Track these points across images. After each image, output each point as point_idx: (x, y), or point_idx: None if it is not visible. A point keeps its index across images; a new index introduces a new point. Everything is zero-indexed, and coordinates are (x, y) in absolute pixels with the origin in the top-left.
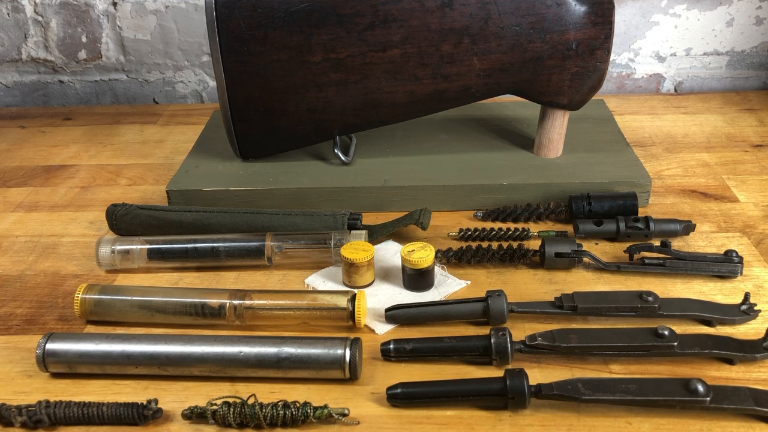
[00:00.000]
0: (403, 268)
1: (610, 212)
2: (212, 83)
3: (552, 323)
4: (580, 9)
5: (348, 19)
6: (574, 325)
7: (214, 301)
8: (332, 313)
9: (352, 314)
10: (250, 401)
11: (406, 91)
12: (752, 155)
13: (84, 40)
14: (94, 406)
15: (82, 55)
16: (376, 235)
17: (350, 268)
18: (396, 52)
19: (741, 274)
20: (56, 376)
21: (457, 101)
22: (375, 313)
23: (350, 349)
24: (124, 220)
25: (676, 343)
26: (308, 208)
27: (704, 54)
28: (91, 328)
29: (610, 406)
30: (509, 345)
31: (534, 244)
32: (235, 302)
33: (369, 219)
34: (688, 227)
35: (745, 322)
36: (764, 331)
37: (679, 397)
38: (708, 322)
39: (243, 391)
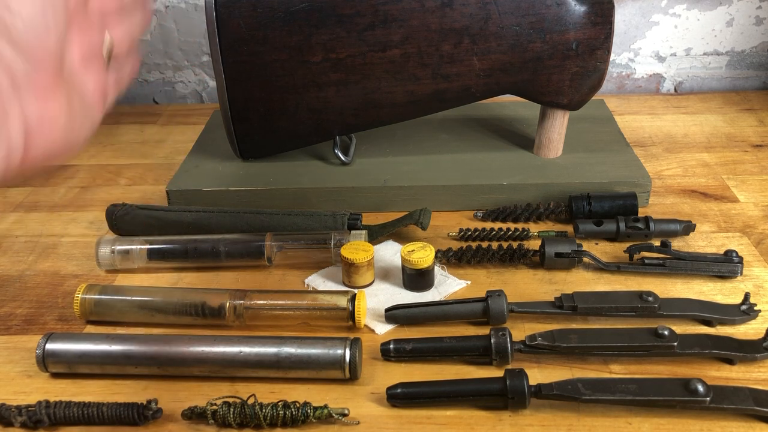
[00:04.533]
0: (403, 268)
1: (610, 212)
2: (212, 83)
3: (552, 323)
4: (580, 9)
5: (348, 19)
6: (574, 325)
7: (214, 301)
8: (332, 313)
9: (352, 314)
10: (250, 401)
11: (406, 91)
12: (752, 155)
13: None
14: (94, 406)
15: None
16: (376, 235)
17: (350, 268)
18: (396, 52)
19: (741, 274)
20: (56, 376)
21: (457, 101)
22: (375, 313)
23: (350, 349)
24: (124, 220)
25: (676, 343)
26: (308, 208)
27: (704, 54)
28: (91, 328)
29: (610, 406)
30: (509, 345)
31: (534, 244)
32: (235, 302)
33: (369, 219)
34: (688, 227)
35: (745, 322)
36: (764, 331)
37: (679, 397)
38: (708, 322)
39: (243, 391)
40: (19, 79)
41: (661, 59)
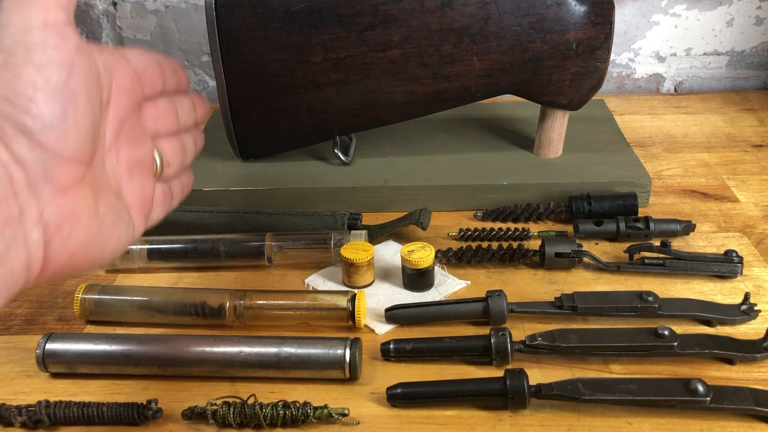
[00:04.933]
0: (403, 268)
1: (610, 212)
2: (212, 83)
3: (552, 323)
4: (580, 9)
5: (348, 19)
6: (574, 325)
7: (214, 301)
8: (332, 313)
9: (352, 314)
10: (250, 401)
11: (406, 91)
12: (752, 155)
13: (84, 40)
14: (94, 406)
15: None
16: (376, 235)
17: (350, 268)
18: (396, 52)
19: (741, 274)
20: (56, 376)
21: (457, 101)
22: (375, 313)
23: (350, 349)
24: None
25: (676, 343)
26: (308, 208)
27: (704, 54)
28: (91, 328)
29: (610, 406)
30: (509, 345)
31: (534, 244)
32: (235, 302)
33: (369, 219)
34: (688, 227)
35: (745, 322)
36: (764, 331)
37: (679, 397)
38: (708, 322)
39: (243, 391)
40: (35, 175)
41: (661, 59)
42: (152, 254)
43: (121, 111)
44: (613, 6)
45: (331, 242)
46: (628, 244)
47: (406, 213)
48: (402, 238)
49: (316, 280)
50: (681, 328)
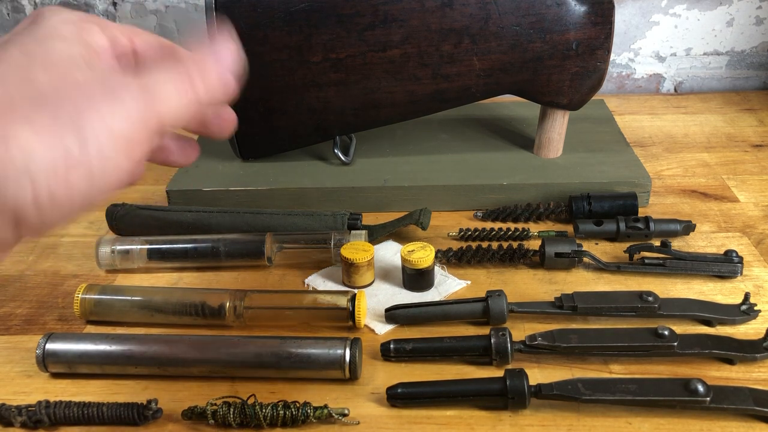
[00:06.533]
0: (403, 268)
1: (610, 212)
2: None
3: (552, 323)
4: (580, 9)
5: (348, 19)
6: (574, 325)
7: (214, 301)
8: (332, 313)
9: (352, 314)
10: (250, 401)
11: (406, 91)
12: (752, 155)
13: None
14: (94, 406)
15: None
16: (376, 235)
17: (350, 268)
18: (396, 52)
19: (741, 274)
20: (56, 376)
21: (457, 101)
22: (375, 313)
23: (350, 349)
24: (124, 220)
25: (676, 343)
26: (308, 208)
27: (704, 54)
28: (91, 328)
29: (610, 406)
30: (509, 345)
31: (534, 244)
32: (235, 302)
33: (369, 219)
34: (688, 227)
35: (745, 322)
36: (764, 331)
37: (679, 397)
38: (708, 322)
39: (243, 391)
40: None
41: (661, 59)
42: (152, 254)
43: None
44: (613, 6)
45: (331, 242)
46: (628, 244)
47: (406, 213)
48: (402, 238)
49: (316, 280)
50: (681, 328)
